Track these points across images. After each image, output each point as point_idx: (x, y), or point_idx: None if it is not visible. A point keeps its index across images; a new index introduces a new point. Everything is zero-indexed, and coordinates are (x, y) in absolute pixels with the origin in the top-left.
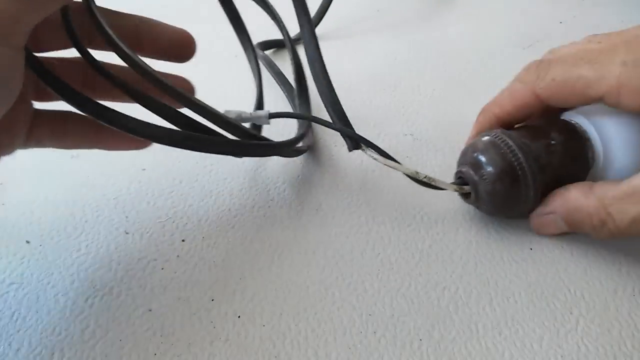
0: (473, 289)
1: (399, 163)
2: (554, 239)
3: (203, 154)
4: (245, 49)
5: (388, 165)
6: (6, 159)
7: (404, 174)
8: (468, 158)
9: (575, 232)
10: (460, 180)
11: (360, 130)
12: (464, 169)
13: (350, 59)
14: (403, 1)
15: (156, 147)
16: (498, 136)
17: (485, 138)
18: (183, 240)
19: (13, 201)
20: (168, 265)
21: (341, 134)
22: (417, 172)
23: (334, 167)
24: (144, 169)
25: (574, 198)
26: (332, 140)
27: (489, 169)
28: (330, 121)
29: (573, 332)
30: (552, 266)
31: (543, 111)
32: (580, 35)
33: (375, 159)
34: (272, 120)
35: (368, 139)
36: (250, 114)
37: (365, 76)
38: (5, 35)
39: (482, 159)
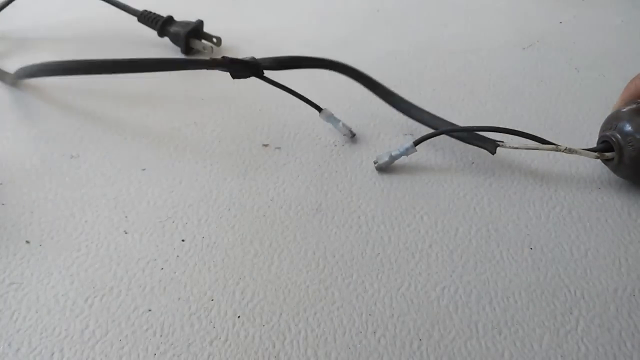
0: (473, 288)
1: (541, 143)
2: (553, 239)
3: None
4: None
5: (530, 148)
6: (6, 158)
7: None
8: (615, 123)
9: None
10: (604, 145)
11: (360, 130)
12: (609, 133)
13: (350, 59)
14: (403, 1)
15: (156, 147)
16: None
17: (633, 106)
18: (183, 240)
19: (13, 201)
20: (168, 265)
21: (478, 145)
22: (557, 147)
23: (334, 167)
24: (144, 169)
25: None
26: (331, 140)
27: (638, 135)
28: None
29: (573, 332)
30: (552, 266)
31: None
32: (580, 35)
33: (516, 147)
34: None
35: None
36: (399, 149)
37: None
38: None
39: (630, 125)
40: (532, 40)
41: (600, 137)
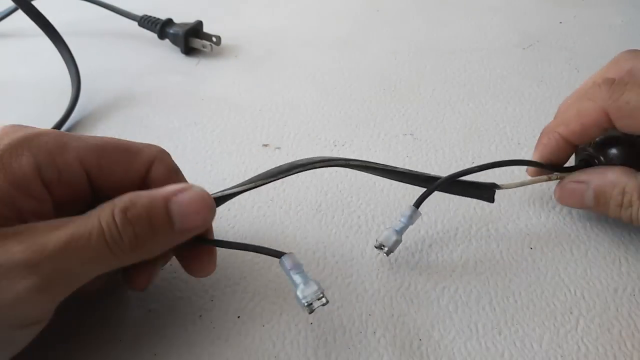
0: (473, 288)
1: (547, 176)
2: (553, 239)
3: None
4: None
5: (526, 184)
6: None
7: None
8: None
9: (591, 210)
10: (583, 163)
11: (360, 129)
12: (583, 154)
13: (351, 58)
14: (403, 1)
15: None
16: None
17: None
18: None
19: None
20: (168, 265)
21: (475, 196)
22: (549, 177)
23: (334, 167)
24: None
25: (614, 174)
26: (331, 140)
27: (614, 150)
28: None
29: (573, 332)
30: (552, 266)
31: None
32: (580, 35)
33: (514, 186)
34: None
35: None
36: (402, 221)
37: (365, 76)
38: (30, 320)
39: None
40: (532, 40)
41: (579, 159)
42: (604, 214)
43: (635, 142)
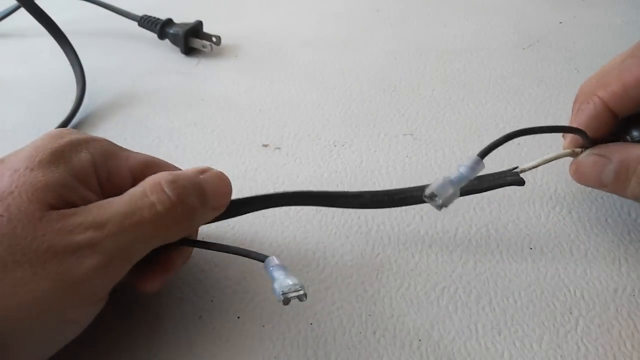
0: (472, 288)
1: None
2: (553, 239)
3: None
4: None
5: (549, 160)
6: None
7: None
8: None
9: (606, 191)
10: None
11: (360, 129)
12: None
13: (350, 59)
14: (403, 1)
15: (156, 148)
16: None
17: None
18: None
19: None
20: None
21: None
22: (573, 151)
23: (334, 167)
24: None
25: (639, 152)
26: (331, 141)
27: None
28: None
29: (573, 332)
30: (552, 266)
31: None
32: (580, 35)
33: (536, 166)
34: None
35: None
36: (461, 170)
37: (365, 76)
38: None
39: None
40: (532, 40)
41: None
42: (621, 194)
43: None
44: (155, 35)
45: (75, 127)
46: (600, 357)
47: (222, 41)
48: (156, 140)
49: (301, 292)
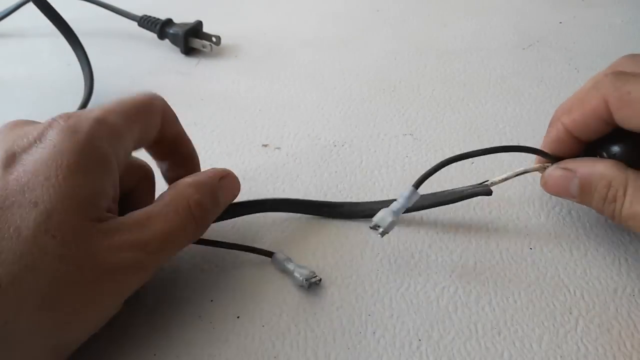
0: (472, 288)
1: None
2: (553, 239)
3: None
4: None
5: (519, 174)
6: None
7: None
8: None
9: (577, 202)
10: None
11: (360, 129)
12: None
13: (350, 59)
14: (403, 1)
15: None
16: None
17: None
18: None
19: None
20: (168, 265)
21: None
22: (543, 166)
23: (334, 167)
24: None
25: (604, 166)
26: (331, 141)
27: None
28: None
29: (572, 332)
30: (552, 266)
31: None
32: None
33: (505, 179)
34: None
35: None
36: (400, 202)
37: (365, 76)
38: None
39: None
40: (532, 40)
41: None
42: (588, 206)
43: None
44: (155, 35)
45: None
46: (600, 357)
47: (222, 41)
48: None
49: (318, 278)
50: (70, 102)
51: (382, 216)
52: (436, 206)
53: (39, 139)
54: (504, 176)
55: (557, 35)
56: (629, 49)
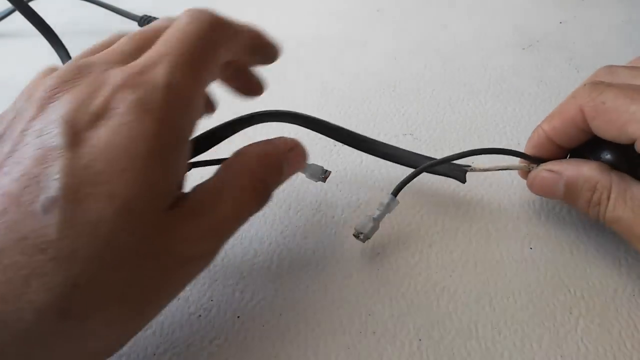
0: (472, 288)
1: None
2: (553, 239)
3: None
4: None
5: (501, 169)
6: None
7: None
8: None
9: (563, 203)
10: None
11: (360, 130)
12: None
13: (350, 59)
14: (403, 1)
15: None
16: None
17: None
18: None
19: None
20: None
21: (447, 175)
22: (528, 165)
23: (334, 167)
24: None
25: (589, 168)
26: (331, 141)
27: (606, 153)
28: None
29: (573, 332)
30: (552, 266)
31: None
32: (580, 35)
33: (486, 169)
34: None
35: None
36: (379, 209)
37: (365, 76)
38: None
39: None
40: (532, 40)
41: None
42: (574, 207)
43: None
44: None
45: None
46: (600, 357)
47: None
48: None
49: (330, 171)
50: None
51: (363, 223)
52: (411, 167)
53: (103, 113)
54: (486, 167)
55: (557, 35)
56: (629, 48)
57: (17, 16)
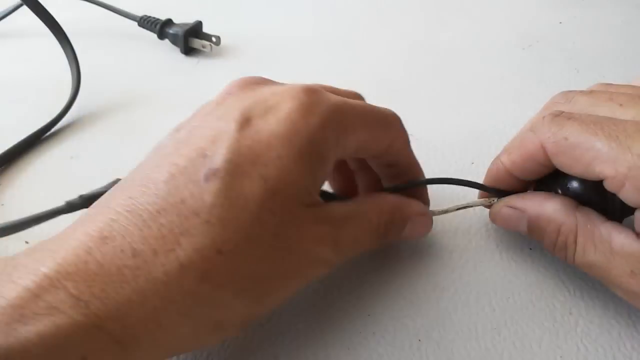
0: (472, 289)
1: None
2: None
3: None
4: None
5: (459, 208)
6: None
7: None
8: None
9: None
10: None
11: None
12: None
13: (350, 59)
14: (403, 1)
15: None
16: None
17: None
18: None
19: (12, 202)
20: None
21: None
22: (488, 200)
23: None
24: None
25: (552, 209)
26: None
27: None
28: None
29: (572, 333)
30: (552, 266)
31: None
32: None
33: (445, 212)
34: None
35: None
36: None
37: (366, 76)
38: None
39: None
40: (532, 40)
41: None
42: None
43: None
44: (155, 35)
45: (73, 125)
46: (600, 357)
47: (222, 41)
48: (155, 141)
49: None
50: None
51: None
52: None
53: (276, 107)
54: (445, 208)
55: (557, 35)
56: (629, 49)
57: (17, 16)
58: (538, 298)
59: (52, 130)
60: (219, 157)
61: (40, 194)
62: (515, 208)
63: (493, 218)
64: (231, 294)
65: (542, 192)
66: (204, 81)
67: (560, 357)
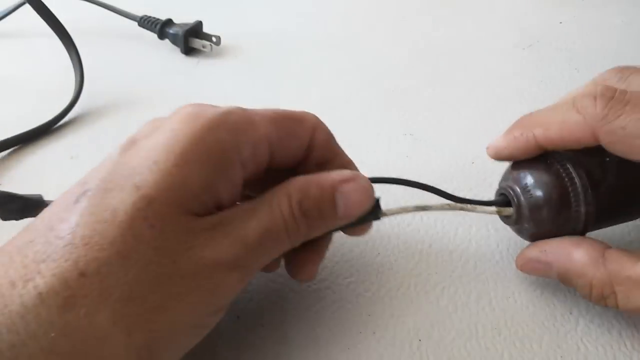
0: (472, 288)
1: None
2: None
3: None
4: None
5: (409, 211)
6: (5, 158)
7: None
8: (511, 174)
9: None
10: (502, 197)
11: (360, 130)
12: (504, 184)
13: (350, 59)
14: (403, 1)
15: None
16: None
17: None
18: None
19: None
20: None
21: None
22: (448, 205)
23: None
24: None
25: (580, 262)
26: None
27: (530, 180)
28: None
29: (572, 333)
30: None
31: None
32: (580, 35)
33: (395, 213)
34: None
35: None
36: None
37: (365, 76)
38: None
39: (526, 172)
40: (532, 40)
41: (497, 190)
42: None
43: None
44: (155, 36)
45: (73, 125)
46: (600, 357)
47: (222, 41)
48: None
49: None
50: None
51: None
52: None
53: (162, 126)
54: (401, 207)
55: (557, 35)
56: (629, 49)
57: (18, 15)
58: (538, 298)
59: (52, 129)
60: (94, 180)
61: (40, 193)
62: (543, 262)
63: (521, 266)
64: (107, 322)
65: (565, 240)
66: (204, 81)
67: (561, 357)
